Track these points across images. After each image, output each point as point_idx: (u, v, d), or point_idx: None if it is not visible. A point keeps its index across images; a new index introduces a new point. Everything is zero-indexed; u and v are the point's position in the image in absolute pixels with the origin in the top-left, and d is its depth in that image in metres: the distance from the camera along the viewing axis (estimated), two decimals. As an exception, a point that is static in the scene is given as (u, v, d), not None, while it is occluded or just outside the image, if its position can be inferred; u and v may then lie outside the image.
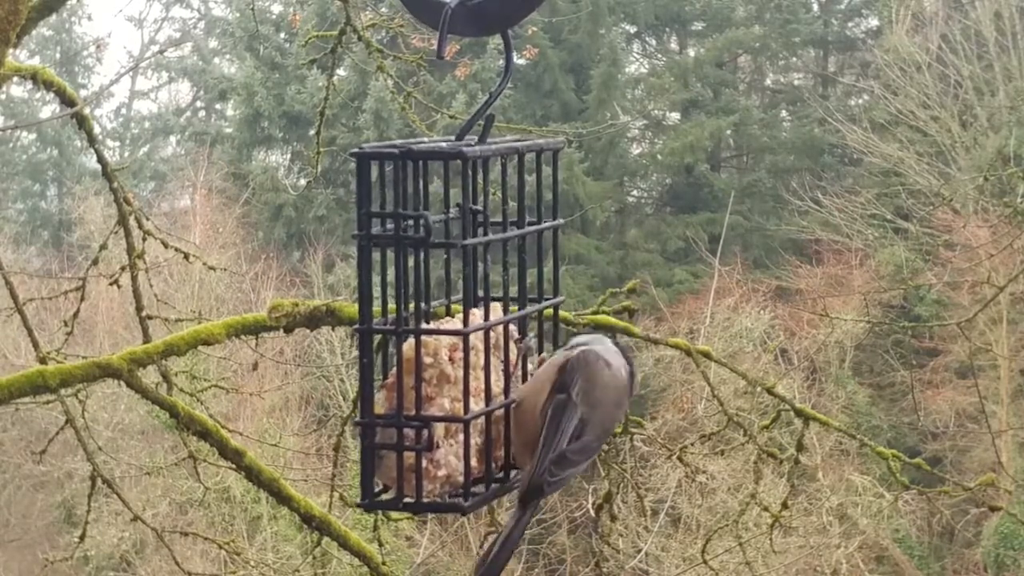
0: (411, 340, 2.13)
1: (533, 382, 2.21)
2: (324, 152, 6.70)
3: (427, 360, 2.12)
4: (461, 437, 2.12)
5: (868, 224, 24.15)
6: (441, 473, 2.12)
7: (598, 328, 4.85)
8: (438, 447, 2.11)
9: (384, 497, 2.15)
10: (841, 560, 18.03)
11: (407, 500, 2.11)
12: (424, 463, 2.10)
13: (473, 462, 2.14)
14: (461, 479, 2.12)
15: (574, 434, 2.15)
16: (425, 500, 2.11)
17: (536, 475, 2.13)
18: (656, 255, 27.00)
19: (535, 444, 2.15)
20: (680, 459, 6.24)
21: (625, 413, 2.27)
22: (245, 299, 21.68)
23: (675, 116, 29.76)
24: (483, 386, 2.16)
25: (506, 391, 2.21)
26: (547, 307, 2.32)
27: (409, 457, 2.10)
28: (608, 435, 2.22)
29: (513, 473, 2.24)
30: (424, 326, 2.15)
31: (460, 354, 2.13)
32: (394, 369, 2.15)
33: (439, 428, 2.11)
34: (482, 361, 2.17)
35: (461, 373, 2.12)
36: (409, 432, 2.10)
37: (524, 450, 2.17)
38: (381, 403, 2.15)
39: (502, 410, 2.21)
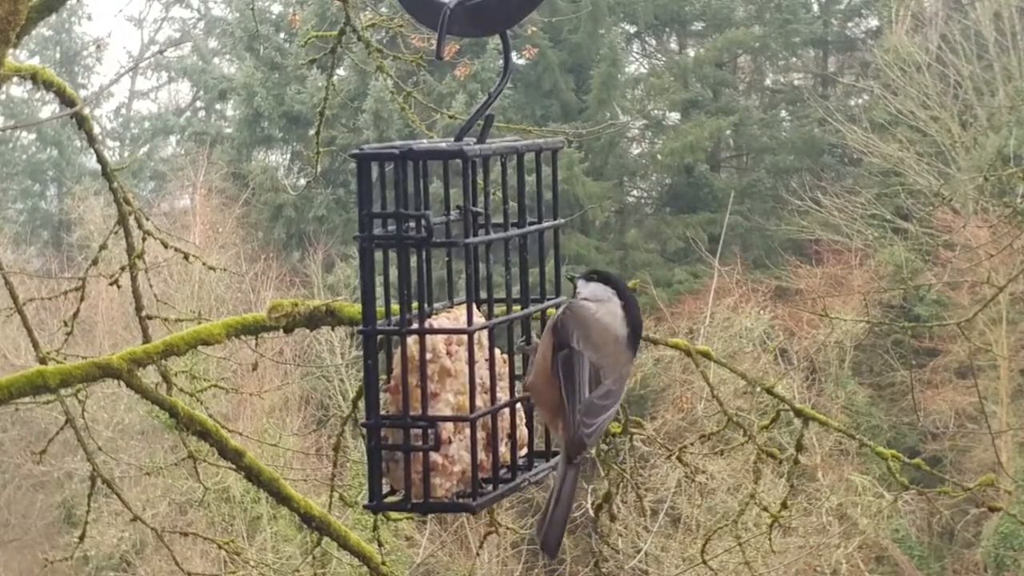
0: (412, 340, 2.14)
1: (537, 355, 2.22)
2: (324, 152, 6.71)
3: (427, 356, 2.13)
4: (468, 431, 2.13)
5: (868, 224, 24.15)
6: (456, 469, 2.12)
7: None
8: (450, 443, 2.12)
9: (392, 499, 2.15)
10: (841, 560, 18.02)
11: (415, 501, 2.11)
12: (440, 460, 2.11)
13: (481, 455, 2.15)
14: (478, 475, 2.13)
15: (592, 380, 2.16)
16: (436, 499, 2.11)
17: (572, 430, 2.13)
18: (656, 255, 27.01)
19: (559, 406, 2.15)
20: (680, 459, 6.24)
21: (632, 359, 2.26)
22: (245, 299, 21.67)
23: (675, 116, 29.75)
24: (487, 383, 2.17)
25: (511, 389, 2.22)
26: (549, 307, 2.33)
27: (418, 457, 2.11)
28: (625, 380, 2.22)
29: (520, 474, 2.25)
30: (428, 326, 2.16)
31: (456, 347, 2.14)
32: (396, 370, 2.15)
33: (449, 423, 2.12)
34: (484, 357, 2.17)
35: (460, 366, 2.13)
36: (416, 432, 2.11)
37: (553, 417, 2.18)
38: (386, 404, 2.15)
39: (507, 407, 2.22)
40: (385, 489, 2.17)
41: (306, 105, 26.20)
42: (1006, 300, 19.73)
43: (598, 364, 2.17)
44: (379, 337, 2.18)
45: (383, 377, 2.18)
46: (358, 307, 4.87)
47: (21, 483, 22.68)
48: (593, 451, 5.70)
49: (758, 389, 6.03)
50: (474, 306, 2.18)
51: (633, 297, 2.27)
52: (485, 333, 2.19)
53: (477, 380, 2.14)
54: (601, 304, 2.24)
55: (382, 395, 2.17)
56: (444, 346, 2.15)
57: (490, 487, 2.18)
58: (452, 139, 2.20)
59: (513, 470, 2.24)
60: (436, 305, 2.24)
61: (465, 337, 2.13)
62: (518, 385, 2.26)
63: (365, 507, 2.18)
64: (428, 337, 2.14)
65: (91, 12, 35.90)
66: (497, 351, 2.22)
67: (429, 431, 2.10)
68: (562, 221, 2.34)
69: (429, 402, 2.12)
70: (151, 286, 6.88)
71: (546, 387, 2.17)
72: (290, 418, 20.18)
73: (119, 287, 6.82)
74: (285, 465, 11.65)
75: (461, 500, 2.13)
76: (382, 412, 2.16)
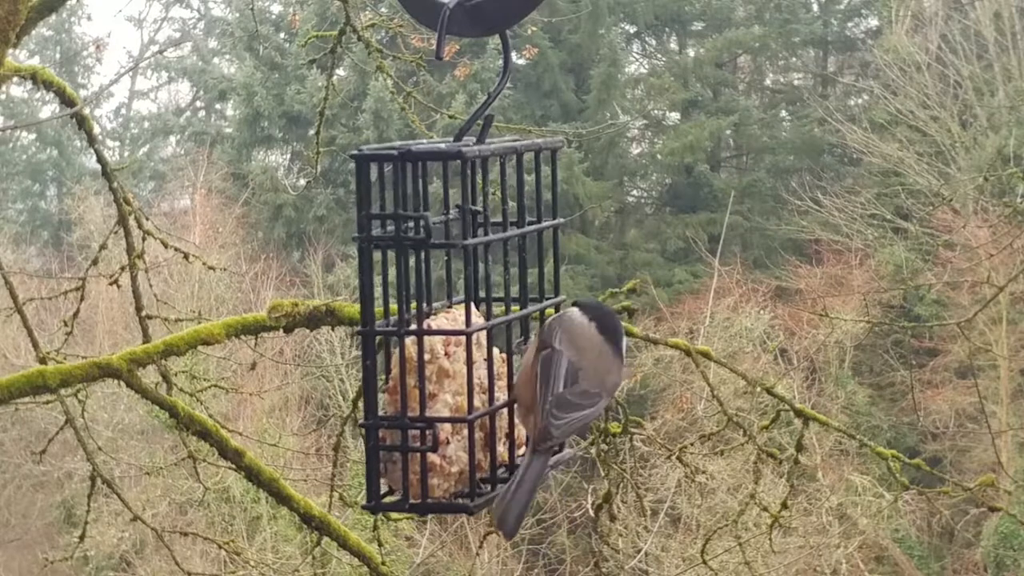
0: (411, 340, 2.14)
1: (518, 378, 2.22)
2: (324, 152, 6.71)
3: (425, 357, 2.13)
4: (466, 432, 2.13)
5: (868, 224, 24.15)
6: (454, 470, 2.12)
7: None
8: (447, 443, 2.12)
9: (390, 499, 2.15)
10: (841, 560, 18.02)
11: (413, 502, 2.11)
12: (438, 461, 2.11)
13: (479, 456, 2.15)
14: (476, 476, 2.13)
15: (568, 378, 2.14)
16: (433, 500, 2.11)
17: (541, 419, 2.12)
18: (656, 255, 27.01)
19: (534, 401, 2.14)
20: (680, 459, 6.24)
21: (620, 373, 2.24)
22: (245, 299, 21.69)
23: (675, 116, 29.77)
24: (485, 383, 2.17)
25: (509, 389, 2.22)
26: (548, 307, 2.33)
27: (416, 458, 2.11)
28: (609, 391, 2.19)
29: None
30: (426, 327, 2.16)
31: (454, 348, 2.14)
32: (395, 370, 2.15)
33: (447, 424, 2.12)
34: (483, 357, 2.17)
35: (458, 367, 2.13)
36: (414, 433, 2.11)
37: (527, 413, 2.16)
38: (384, 405, 2.16)
39: (505, 408, 2.21)
40: (383, 489, 2.17)
41: (306, 105, 26.21)
42: (1006, 300, 19.73)
43: (578, 365, 2.15)
44: (378, 338, 2.18)
45: (382, 377, 2.18)
46: (358, 307, 4.87)
47: (21, 483, 22.69)
48: (593, 451, 5.69)
49: (758, 389, 6.02)
50: (473, 306, 2.18)
51: (596, 318, 2.24)
52: (483, 333, 2.19)
53: (475, 380, 2.14)
54: (580, 318, 2.24)
55: (381, 396, 2.17)
56: (442, 347, 2.15)
57: (488, 487, 2.18)
58: (452, 139, 2.20)
59: (511, 470, 2.24)
60: (435, 305, 2.24)
61: (463, 337, 2.13)
62: None
63: (363, 507, 2.18)
64: (426, 338, 2.14)
65: (91, 12, 35.96)
66: (496, 351, 2.22)
67: (427, 432, 2.10)
68: (561, 221, 2.34)
69: (427, 403, 2.12)
70: (151, 286, 6.88)
71: (526, 385, 2.17)
72: (290, 418, 20.19)
73: (119, 287, 6.82)
74: (285, 465, 11.65)
75: (458, 501, 2.13)
76: (381, 413, 2.16)
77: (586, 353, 2.17)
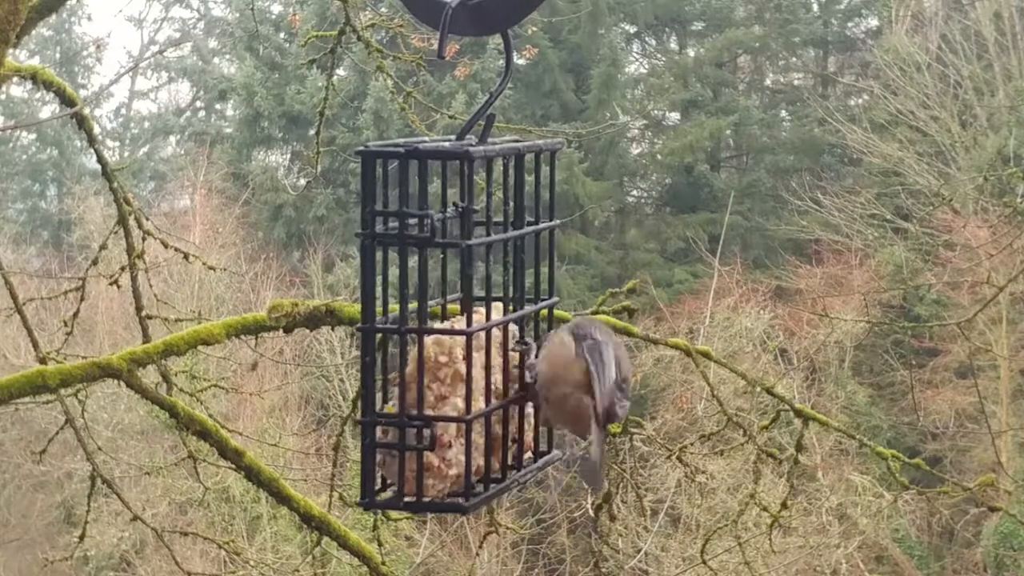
0: (425, 339, 2.14)
1: (551, 361, 2.21)
2: (324, 152, 6.71)
3: (442, 359, 2.12)
4: (470, 434, 2.12)
5: (868, 224, 24.15)
6: (452, 472, 2.11)
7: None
8: (450, 447, 2.11)
9: (384, 496, 2.15)
10: (841, 560, 18.03)
11: (407, 500, 2.11)
12: (436, 462, 2.10)
13: (480, 461, 2.14)
14: (472, 478, 2.12)
15: (617, 366, 2.20)
16: (427, 499, 2.10)
17: (606, 400, 2.16)
18: (656, 255, 27.01)
19: (583, 383, 2.17)
20: (680, 459, 6.24)
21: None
22: (245, 299, 21.69)
23: (675, 116, 29.77)
24: (498, 387, 2.17)
25: (505, 390, 2.21)
26: (542, 308, 2.32)
27: (414, 456, 2.10)
28: (629, 392, 2.25)
29: (511, 473, 2.24)
30: (428, 326, 2.15)
31: (474, 353, 2.14)
32: (410, 366, 2.15)
33: (451, 427, 2.11)
34: (483, 360, 2.17)
35: (476, 371, 2.13)
36: (411, 431, 2.10)
37: (576, 391, 2.18)
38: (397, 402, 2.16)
39: (502, 410, 2.21)
40: (379, 485, 2.16)
41: (306, 105, 26.20)
42: (1006, 300, 19.74)
43: (619, 357, 2.22)
44: (379, 335, 2.17)
45: (380, 377, 2.17)
46: (358, 307, 4.86)
47: (21, 483, 22.69)
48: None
49: (758, 389, 6.03)
50: (499, 308, 2.19)
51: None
52: (504, 337, 2.19)
53: (486, 384, 2.14)
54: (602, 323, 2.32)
55: (378, 393, 2.16)
56: (461, 350, 2.14)
57: (482, 487, 2.18)
58: (453, 138, 2.19)
59: (503, 471, 2.23)
60: (431, 303, 2.23)
61: (483, 341, 2.14)
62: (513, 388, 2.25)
63: (357, 504, 2.17)
64: (447, 340, 2.13)
65: (91, 12, 35.98)
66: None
67: (424, 431, 2.10)
68: (558, 222, 2.34)
69: (437, 404, 2.11)
70: (151, 286, 6.88)
71: (572, 364, 2.18)
72: (290, 418, 20.19)
73: (119, 287, 6.82)
74: (285, 465, 11.65)
75: (451, 500, 2.12)
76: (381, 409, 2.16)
77: (620, 349, 2.24)
